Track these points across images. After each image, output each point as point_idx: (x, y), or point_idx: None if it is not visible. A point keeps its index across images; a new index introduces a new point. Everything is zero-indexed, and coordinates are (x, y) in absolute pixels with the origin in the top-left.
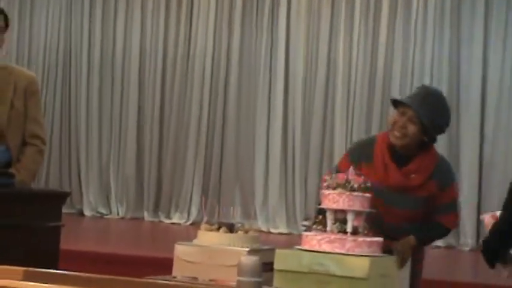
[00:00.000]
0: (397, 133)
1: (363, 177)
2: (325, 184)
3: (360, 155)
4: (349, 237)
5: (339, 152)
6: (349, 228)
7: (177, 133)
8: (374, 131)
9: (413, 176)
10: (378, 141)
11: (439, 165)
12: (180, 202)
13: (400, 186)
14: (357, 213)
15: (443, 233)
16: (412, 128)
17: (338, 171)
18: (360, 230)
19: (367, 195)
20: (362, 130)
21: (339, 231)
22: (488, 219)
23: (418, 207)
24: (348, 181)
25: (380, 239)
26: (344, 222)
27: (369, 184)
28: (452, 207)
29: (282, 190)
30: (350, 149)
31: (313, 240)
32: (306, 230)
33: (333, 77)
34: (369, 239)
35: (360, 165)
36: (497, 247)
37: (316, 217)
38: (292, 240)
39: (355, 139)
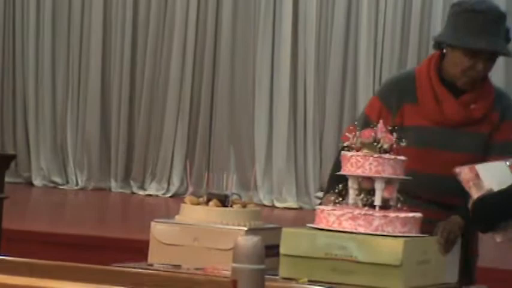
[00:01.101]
0: (470, 79)
1: (395, 134)
2: (346, 143)
3: (400, 95)
4: (378, 213)
5: (364, 103)
6: (377, 201)
7: (153, 80)
8: None
9: (473, 106)
10: (420, 71)
11: (498, 93)
12: (158, 168)
13: (459, 120)
14: (388, 182)
15: None
16: (489, 66)
17: (367, 122)
18: (392, 203)
19: (402, 158)
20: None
21: (365, 205)
22: (466, 174)
23: (478, 149)
24: (376, 140)
25: (419, 214)
26: (371, 193)
27: (403, 143)
28: (509, 149)
29: (290, 152)
30: (382, 90)
31: (331, 216)
32: (320, 204)
33: (355, 6)
34: (403, 214)
35: (401, 109)
36: (497, 219)
37: (329, 186)
38: (303, 217)
39: None
